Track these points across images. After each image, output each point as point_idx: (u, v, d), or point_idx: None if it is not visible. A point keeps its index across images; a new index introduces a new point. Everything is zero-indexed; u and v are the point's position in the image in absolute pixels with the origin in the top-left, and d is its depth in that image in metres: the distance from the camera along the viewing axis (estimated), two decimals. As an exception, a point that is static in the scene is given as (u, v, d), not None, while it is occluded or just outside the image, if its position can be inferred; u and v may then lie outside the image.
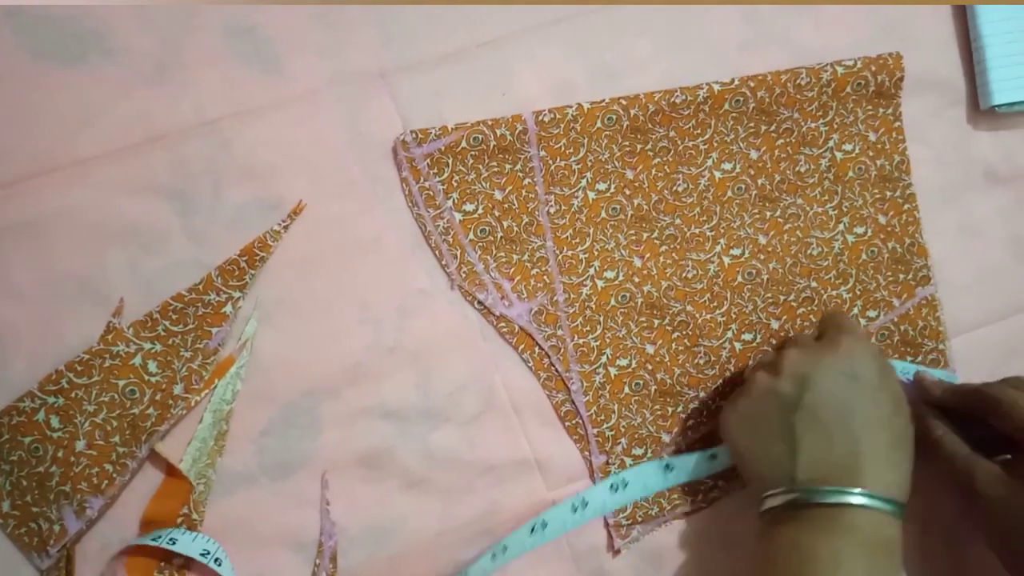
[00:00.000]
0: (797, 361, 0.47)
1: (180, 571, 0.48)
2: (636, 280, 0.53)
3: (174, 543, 0.47)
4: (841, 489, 0.44)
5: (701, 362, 0.54)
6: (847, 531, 0.43)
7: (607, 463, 0.52)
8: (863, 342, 0.48)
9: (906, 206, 0.56)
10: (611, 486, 0.52)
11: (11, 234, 0.47)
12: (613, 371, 0.53)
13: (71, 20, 0.48)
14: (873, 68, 0.54)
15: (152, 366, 0.47)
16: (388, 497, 0.50)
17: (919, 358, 0.56)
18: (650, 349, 0.53)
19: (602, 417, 0.52)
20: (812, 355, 0.47)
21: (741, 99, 0.53)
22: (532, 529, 0.50)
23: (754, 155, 0.54)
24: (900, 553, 0.44)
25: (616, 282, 0.53)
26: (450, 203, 0.51)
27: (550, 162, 0.51)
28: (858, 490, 0.43)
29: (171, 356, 0.48)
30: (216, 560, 0.47)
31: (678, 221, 0.53)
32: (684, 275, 0.53)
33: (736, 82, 0.53)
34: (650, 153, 0.53)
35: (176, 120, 0.49)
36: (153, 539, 0.46)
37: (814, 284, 0.55)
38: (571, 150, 0.51)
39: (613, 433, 0.52)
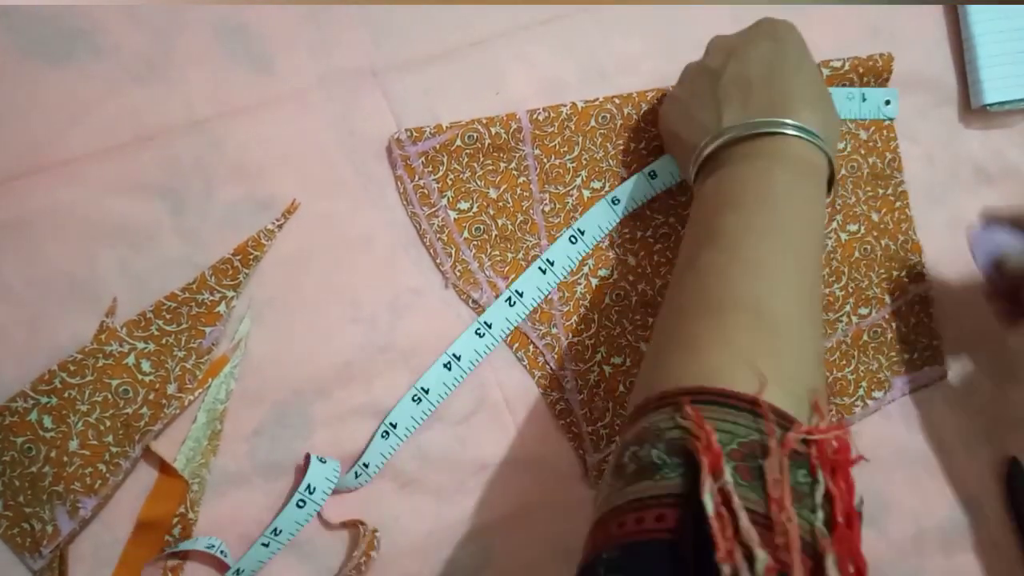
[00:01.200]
0: (722, 40, 0.48)
1: (174, 571, 0.48)
2: (630, 278, 0.53)
3: (176, 547, 0.47)
4: (772, 120, 0.42)
5: (695, 360, 0.54)
6: (779, 156, 0.42)
7: (602, 461, 0.52)
8: (784, 21, 0.47)
9: (898, 203, 0.56)
10: (570, 238, 0.51)
11: (0, 233, 0.46)
12: (608, 369, 0.53)
13: (60, 18, 0.47)
14: (860, 70, 0.55)
15: (146, 365, 0.47)
16: (380, 497, 0.50)
17: (914, 355, 0.56)
18: (644, 347, 0.53)
19: (596, 415, 0.52)
20: (737, 34, 0.48)
21: None
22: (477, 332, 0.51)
23: None
24: (826, 184, 0.43)
25: (610, 280, 0.53)
26: (445, 201, 0.50)
27: (544, 160, 0.51)
28: (789, 120, 0.42)
29: (164, 355, 0.47)
30: (222, 552, 0.47)
31: (672, 220, 0.53)
32: (678, 273, 0.54)
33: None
34: (644, 152, 0.53)
35: (166, 119, 0.48)
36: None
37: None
38: (565, 148, 0.51)
39: (608, 431, 0.52)
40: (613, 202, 0.52)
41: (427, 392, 0.50)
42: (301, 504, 0.48)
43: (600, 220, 0.52)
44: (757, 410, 0.32)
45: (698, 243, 0.41)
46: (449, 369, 0.50)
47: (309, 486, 0.48)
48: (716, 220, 0.41)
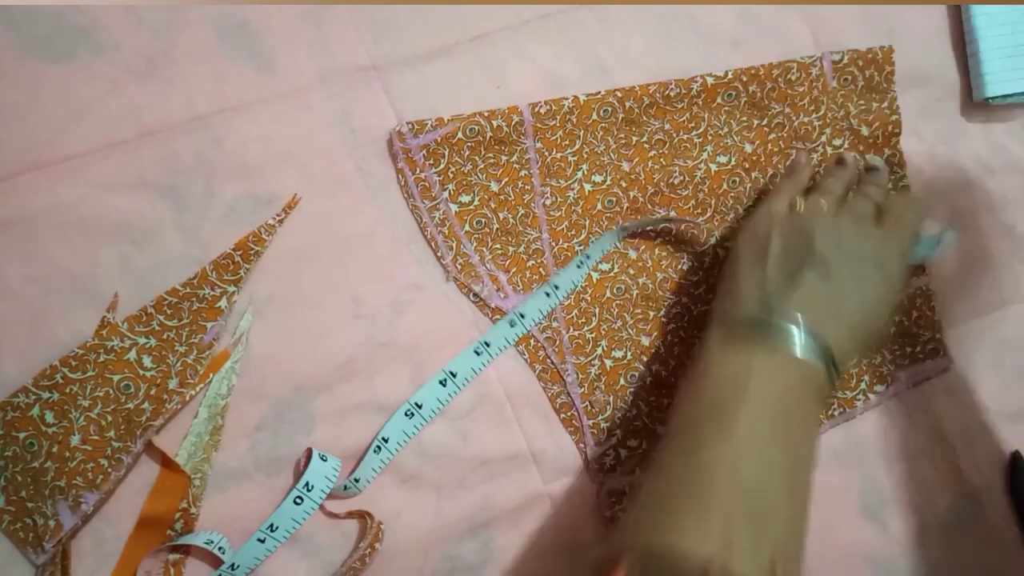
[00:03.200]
0: (850, 226, 0.48)
1: (176, 566, 0.48)
2: (631, 272, 0.53)
3: (176, 540, 0.47)
4: (823, 345, 0.44)
5: (696, 355, 0.54)
6: (806, 378, 0.44)
7: (603, 455, 0.52)
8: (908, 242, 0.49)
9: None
10: (577, 263, 0.52)
11: (1, 231, 0.47)
12: (609, 363, 0.53)
13: (61, 16, 0.48)
14: (860, 63, 0.55)
15: (147, 361, 0.47)
16: (381, 492, 0.50)
17: (916, 348, 0.56)
18: (645, 341, 0.53)
19: (597, 409, 0.52)
20: (870, 227, 0.48)
21: (733, 93, 0.53)
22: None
23: (748, 149, 0.54)
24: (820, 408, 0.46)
25: (611, 274, 0.53)
26: (446, 194, 0.50)
27: (546, 154, 0.51)
28: (833, 351, 0.44)
29: (166, 351, 0.47)
30: (220, 549, 0.47)
31: (673, 214, 0.53)
32: (679, 267, 0.54)
33: (729, 75, 0.53)
34: (646, 146, 0.53)
35: (167, 116, 0.48)
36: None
37: None
38: (567, 142, 0.51)
39: (608, 425, 0.52)
40: (622, 229, 0.53)
41: (420, 407, 0.50)
42: (298, 501, 0.48)
43: (606, 245, 0.53)
44: None
45: (704, 414, 0.43)
46: (444, 386, 0.50)
47: (308, 483, 0.48)
48: (726, 401, 0.43)
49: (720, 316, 0.48)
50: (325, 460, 0.48)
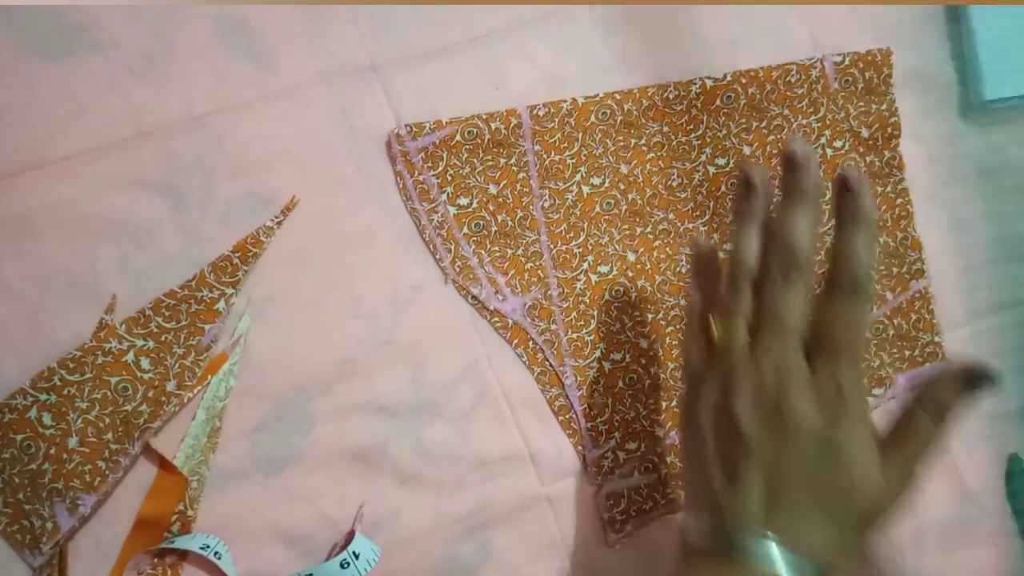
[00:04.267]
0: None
1: (173, 568, 0.48)
2: (630, 275, 0.53)
3: (172, 541, 0.47)
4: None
5: (695, 357, 0.54)
6: None
7: (601, 457, 0.52)
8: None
9: (899, 200, 0.56)
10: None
11: None
12: (607, 365, 0.53)
13: (60, 14, 0.47)
14: (860, 65, 0.55)
15: (145, 363, 0.47)
16: (380, 492, 0.50)
17: (915, 351, 0.56)
18: (644, 344, 0.53)
19: (596, 411, 0.52)
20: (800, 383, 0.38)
21: (732, 95, 0.53)
22: None
23: (747, 151, 0.54)
24: None
25: (610, 277, 0.53)
26: (444, 197, 0.50)
27: (544, 156, 0.51)
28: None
29: (164, 353, 0.47)
30: (216, 554, 0.47)
31: (672, 216, 0.53)
32: (678, 270, 0.54)
33: (728, 77, 0.53)
34: (644, 148, 0.53)
35: (166, 115, 0.48)
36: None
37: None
38: (565, 144, 0.51)
39: (607, 427, 0.52)
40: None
41: None
42: (345, 565, 0.48)
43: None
44: None
45: None
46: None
47: (355, 552, 0.48)
48: None
49: (685, 526, 0.41)
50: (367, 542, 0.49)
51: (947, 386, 0.38)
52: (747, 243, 0.40)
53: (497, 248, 0.51)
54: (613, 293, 0.53)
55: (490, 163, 0.51)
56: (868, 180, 0.46)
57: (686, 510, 0.42)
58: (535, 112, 0.50)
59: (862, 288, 0.38)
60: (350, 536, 0.49)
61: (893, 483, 0.37)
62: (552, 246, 0.52)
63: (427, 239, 0.51)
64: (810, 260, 0.39)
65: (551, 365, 0.52)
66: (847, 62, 0.54)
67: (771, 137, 0.54)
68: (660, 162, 0.53)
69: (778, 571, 0.35)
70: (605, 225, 0.52)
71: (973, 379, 0.38)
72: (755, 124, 0.54)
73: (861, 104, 0.55)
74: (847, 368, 0.37)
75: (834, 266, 0.39)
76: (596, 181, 0.52)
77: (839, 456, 0.36)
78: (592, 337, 0.52)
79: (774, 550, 0.35)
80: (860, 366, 0.38)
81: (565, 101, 0.51)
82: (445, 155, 0.50)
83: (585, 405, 0.52)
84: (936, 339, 0.56)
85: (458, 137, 0.50)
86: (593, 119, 0.51)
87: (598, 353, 0.52)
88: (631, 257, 0.53)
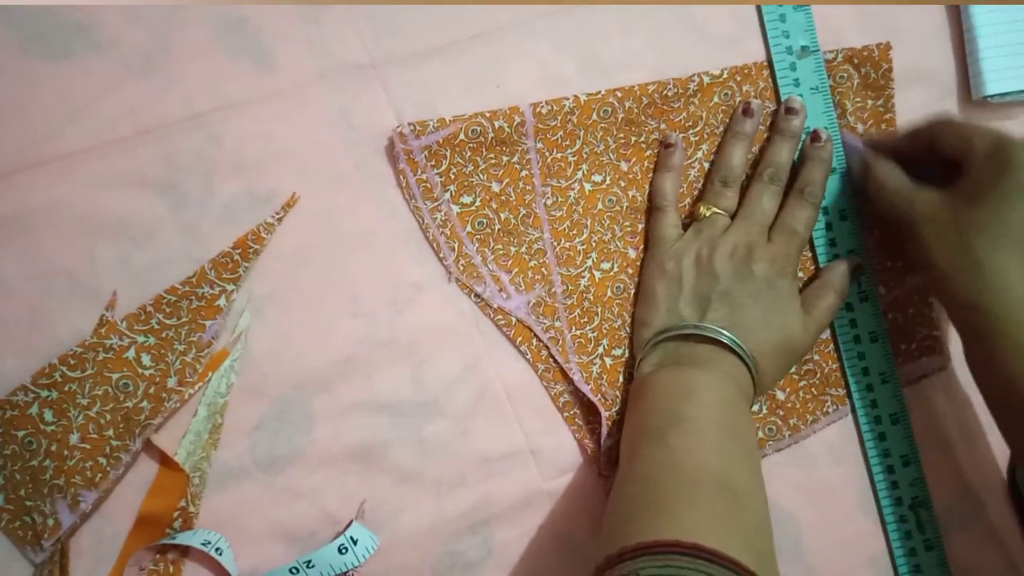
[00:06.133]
0: (726, 243, 0.51)
1: (175, 564, 0.48)
2: (631, 271, 0.53)
3: (173, 538, 0.47)
4: (741, 344, 0.49)
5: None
6: (731, 374, 0.48)
7: (610, 449, 0.52)
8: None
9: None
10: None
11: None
12: (609, 361, 0.53)
13: (59, 14, 0.47)
14: (856, 61, 0.55)
15: (146, 359, 0.47)
16: (381, 491, 0.50)
17: (913, 345, 0.56)
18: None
19: (609, 403, 0.52)
20: (761, 250, 0.51)
21: (729, 92, 0.53)
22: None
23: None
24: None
25: (612, 273, 0.53)
26: (448, 195, 0.50)
27: (547, 154, 0.51)
28: (746, 348, 0.49)
29: (165, 349, 0.47)
30: (217, 550, 0.47)
31: (671, 213, 0.53)
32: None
33: (724, 74, 0.53)
34: (643, 145, 0.53)
35: (166, 114, 0.48)
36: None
37: (801, 274, 0.55)
38: (567, 142, 0.51)
39: (610, 422, 0.52)
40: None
41: None
42: (343, 550, 0.49)
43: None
44: (737, 569, 0.36)
45: (666, 421, 0.45)
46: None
47: (352, 538, 0.49)
48: (683, 408, 0.45)
49: (644, 340, 0.51)
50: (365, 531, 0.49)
51: (842, 272, 0.53)
52: (740, 155, 0.53)
53: (501, 246, 0.51)
54: (615, 289, 0.53)
55: (493, 161, 0.51)
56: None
57: (644, 329, 0.52)
58: (538, 110, 0.50)
59: (813, 195, 0.53)
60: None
61: (808, 327, 0.51)
62: (555, 243, 0.52)
63: (430, 237, 0.51)
64: (785, 175, 0.53)
65: (555, 362, 0.52)
66: (840, 59, 0.54)
67: (768, 134, 0.55)
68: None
69: (727, 341, 0.48)
70: (607, 222, 0.53)
71: (857, 269, 0.54)
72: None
73: (858, 99, 0.55)
74: (793, 244, 0.52)
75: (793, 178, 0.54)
76: (598, 178, 0.52)
77: (780, 298, 0.50)
78: (595, 333, 0.52)
79: (727, 333, 0.48)
80: (799, 243, 0.52)
81: (567, 99, 0.51)
82: (448, 153, 0.50)
83: (599, 395, 0.52)
84: (934, 333, 0.56)
85: (462, 135, 0.49)
86: (595, 116, 0.51)
87: (600, 349, 0.52)
88: (632, 254, 0.53)
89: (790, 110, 0.54)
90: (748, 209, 0.52)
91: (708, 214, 0.52)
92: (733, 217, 0.53)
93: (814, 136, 0.53)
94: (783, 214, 0.53)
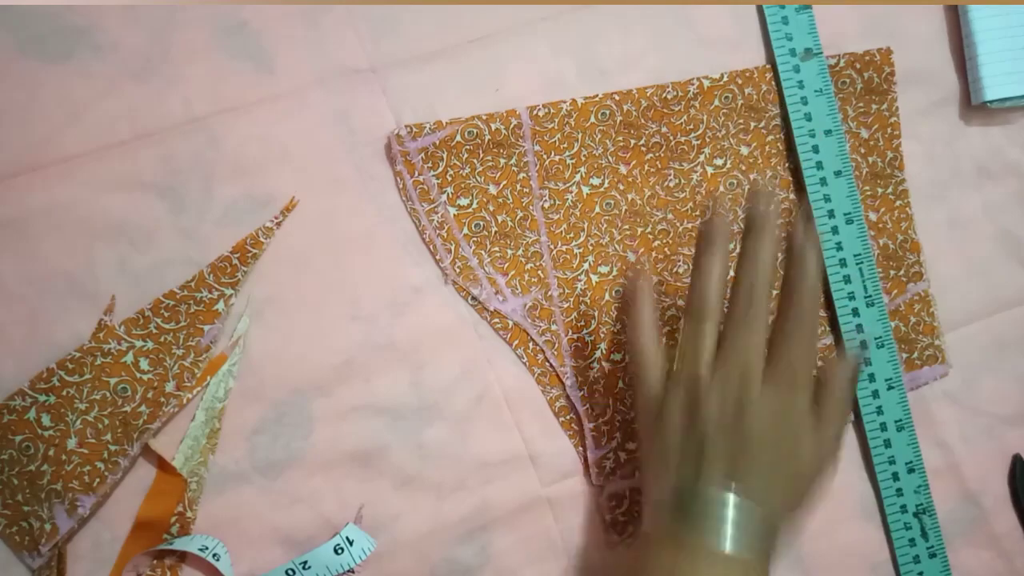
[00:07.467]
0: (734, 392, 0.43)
1: (172, 569, 0.48)
2: (629, 275, 0.53)
3: (171, 543, 0.47)
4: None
5: (694, 357, 0.54)
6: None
7: (602, 458, 0.52)
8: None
9: (898, 202, 0.56)
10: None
11: (-2, 232, 0.47)
12: (607, 365, 0.52)
13: (58, 16, 0.47)
14: (858, 66, 0.55)
15: (144, 364, 0.47)
16: (380, 495, 0.50)
17: (914, 355, 0.56)
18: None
19: (597, 412, 0.52)
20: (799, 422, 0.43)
21: (730, 95, 0.53)
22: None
23: (744, 151, 0.54)
24: None
25: (610, 277, 0.53)
26: (444, 197, 0.50)
27: (544, 157, 0.51)
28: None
29: (163, 354, 0.47)
30: (214, 555, 0.47)
31: (670, 216, 0.53)
32: (675, 270, 0.54)
33: (725, 78, 0.53)
34: (643, 148, 0.53)
35: (165, 117, 0.48)
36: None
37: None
38: (565, 145, 0.51)
39: (608, 428, 0.52)
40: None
41: None
42: (339, 551, 0.48)
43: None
44: None
45: None
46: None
47: (348, 538, 0.49)
48: None
49: (647, 491, 0.46)
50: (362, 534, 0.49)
51: (846, 379, 0.45)
52: (716, 275, 0.44)
53: (497, 248, 0.51)
54: (613, 293, 0.53)
55: (490, 163, 0.51)
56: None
57: (646, 475, 0.46)
58: (535, 113, 0.50)
59: (812, 317, 0.44)
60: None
61: (824, 452, 0.44)
62: (552, 246, 0.52)
63: (427, 240, 0.50)
64: (769, 292, 0.44)
65: (552, 366, 0.52)
66: (842, 64, 0.54)
67: (770, 137, 0.54)
68: (658, 163, 0.53)
69: (728, 515, 0.40)
70: (605, 225, 0.52)
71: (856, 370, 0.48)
72: (753, 124, 0.54)
73: (860, 104, 0.55)
74: (801, 391, 0.43)
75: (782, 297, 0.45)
76: (596, 181, 0.52)
77: (788, 431, 0.43)
78: (592, 337, 0.52)
79: (732, 500, 0.40)
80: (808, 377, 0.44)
81: (565, 102, 0.51)
82: (445, 155, 0.50)
83: (587, 406, 0.52)
84: (935, 342, 0.56)
85: (458, 138, 0.49)
86: (593, 120, 0.51)
87: (598, 354, 0.52)
88: (631, 257, 0.53)
89: (753, 195, 0.45)
90: (724, 353, 0.44)
91: (687, 365, 0.44)
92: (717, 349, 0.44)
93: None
94: (773, 349, 0.44)
